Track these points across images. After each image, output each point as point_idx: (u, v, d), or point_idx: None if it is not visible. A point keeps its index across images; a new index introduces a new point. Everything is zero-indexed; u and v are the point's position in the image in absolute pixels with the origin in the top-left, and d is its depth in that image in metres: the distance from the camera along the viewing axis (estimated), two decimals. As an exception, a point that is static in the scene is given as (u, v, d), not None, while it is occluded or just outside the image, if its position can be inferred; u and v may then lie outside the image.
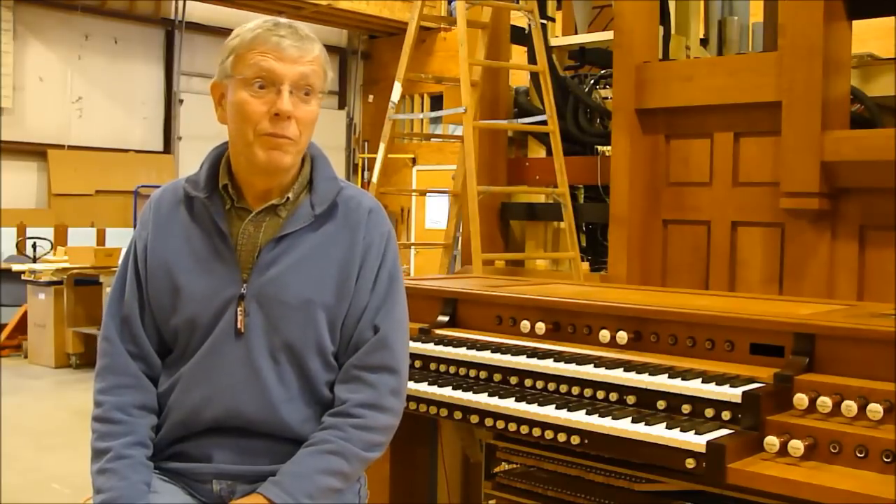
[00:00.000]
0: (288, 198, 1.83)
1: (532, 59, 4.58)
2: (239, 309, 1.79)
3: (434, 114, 5.93)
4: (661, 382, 2.03)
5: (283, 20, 1.81)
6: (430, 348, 2.48)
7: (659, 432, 1.89)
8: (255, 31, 1.77)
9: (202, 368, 1.79)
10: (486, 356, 2.37)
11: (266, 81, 1.74)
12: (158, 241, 1.85)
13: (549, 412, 2.08)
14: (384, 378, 1.83)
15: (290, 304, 1.79)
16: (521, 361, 2.29)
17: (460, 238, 4.93)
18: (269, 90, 1.75)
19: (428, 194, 12.05)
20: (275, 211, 1.83)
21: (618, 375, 2.11)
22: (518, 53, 5.25)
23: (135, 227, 1.96)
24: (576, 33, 5.18)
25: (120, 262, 1.93)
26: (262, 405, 1.78)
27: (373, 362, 1.83)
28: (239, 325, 1.78)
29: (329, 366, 1.85)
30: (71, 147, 11.02)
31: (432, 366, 2.47)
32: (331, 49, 13.42)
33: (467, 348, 2.43)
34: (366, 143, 13.83)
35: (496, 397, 2.21)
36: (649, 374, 2.07)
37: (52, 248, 9.49)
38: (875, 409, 1.78)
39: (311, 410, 1.82)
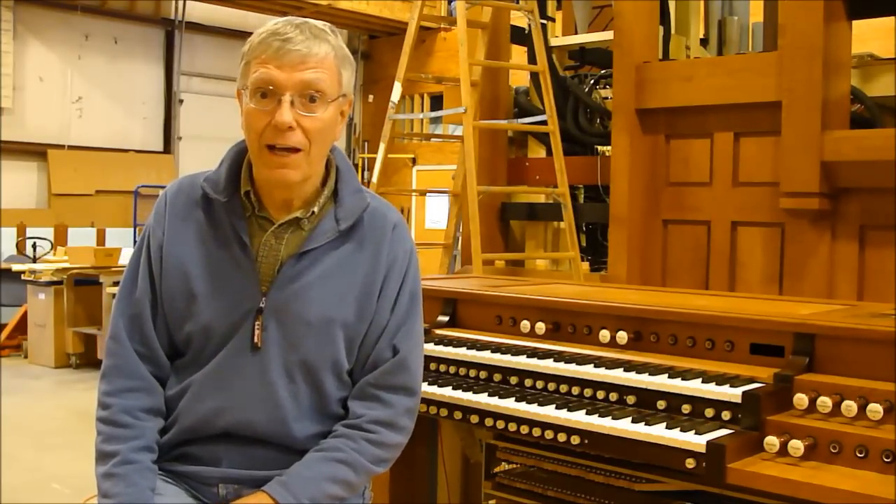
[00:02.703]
0: (312, 212, 1.79)
1: (532, 59, 4.58)
2: (257, 323, 1.75)
3: (434, 114, 5.93)
4: (661, 382, 2.03)
5: (297, 19, 1.72)
6: (430, 348, 2.48)
7: (659, 432, 1.89)
8: (262, 34, 1.71)
9: (215, 379, 1.77)
10: (486, 356, 2.37)
11: (268, 91, 1.68)
12: (175, 242, 1.80)
13: (549, 412, 2.08)
14: (401, 399, 1.82)
15: (310, 321, 1.76)
16: (521, 361, 2.29)
17: (460, 238, 4.93)
18: (271, 100, 1.68)
19: (428, 194, 12.04)
20: (298, 223, 1.79)
21: (618, 375, 2.11)
22: (518, 53, 5.25)
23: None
24: (576, 33, 5.18)
25: (131, 256, 1.87)
26: (273, 420, 1.77)
27: (391, 383, 1.82)
28: (256, 340, 1.75)
29: (343, 383, 1.83)
30: (71, 147, 11.02)
31: (432, 366, 2.47)
32: (331, 49, 13.40)
33: (467, 348, 2.43)
34: (366, 143, 13.83)
35: (496, 397, 2.21)
36: (649, 374, 2.07)
37: (52, 248, 9.49)
38: (875, 409, 1.78)
39: (321, 426, 1.81)
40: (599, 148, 4.49)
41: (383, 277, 1.82)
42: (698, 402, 1.97)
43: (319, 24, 1.75)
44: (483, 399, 2.21)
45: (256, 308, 1.76)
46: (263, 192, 1.80)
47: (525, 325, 2.51)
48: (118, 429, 1.74)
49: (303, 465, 1.74)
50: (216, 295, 1.77)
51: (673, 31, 4.63)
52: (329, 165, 1.84)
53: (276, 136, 1.69)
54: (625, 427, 1.94)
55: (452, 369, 2.42)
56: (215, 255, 1.78)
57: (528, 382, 2.27)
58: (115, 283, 6.14)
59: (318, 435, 1.80)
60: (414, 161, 13.04)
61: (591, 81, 4.75)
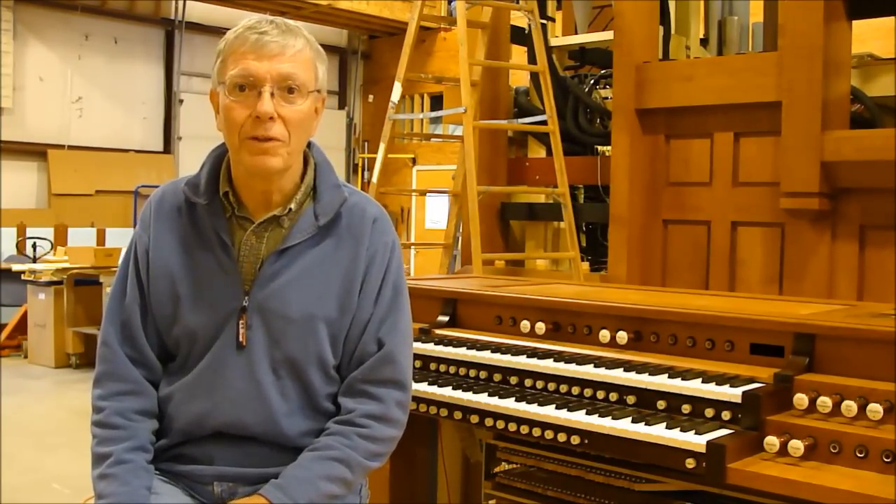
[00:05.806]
0: (290, 209, 1.80)
1: (532, 59, 4.59)
2: (241, 322, 1.77)
3: (434, 114, 5.92)
4: (661, 382, 2.03)
5: (269, 17, 1.75)
6: (430, 348, 2.48)
7: (659, 432, 1.89)
8: (237, 31, 1.73)
9: (204, 380, 1.78)
10: (486, 356, 2.37)
11: (247, 83, 1.69)
12: (160, 247, 1.82)
13: (549, 412, 2.08)
14: (391, 392, 1.82)
15: (292, 318, 1.77)
16: (521, 361, 2.29)
17: (460, 238, 4.93)
18: (250, 93, 1.69)
19: (428, 194, 12.05)
20: (277, 221, 1.80)
21: (618, 375, 2.11)
22: (518, 53, 5.25)
23: (135, 227, 1.92)
24: (576, 33, 5.18)
25: (120, 265, 1.90)
26: (263, 418, 1.77)
27: (379, 377, 1.82)
28: (241, 339, 1.77)
29: (330, 378, 1.83)
30: (71, 147, 11.02)
31: (432, 366, 2.47)
32: (331, 49, 13.42)
33: (467, 348, 2.43)
34: (366, 143, 13.84)
35: (496, 397, 2.21)
36: (649, 374, 2.07)
37: (52, 248, 9.49)
38: (875, 409, 1.78)
39: (312, 423, 1.81)
40: (599, 148, 4.49)
41: (364, 271, 1.82)
42: (698, 402, 1.97)
43: (292, 22, 1.77)
44: (483, 399, 2.21)
45: (240, 307, 1.77)
46: (242, 189, 1.80)
47: (525, 325, 2.51)
48: (111, 431, 1.76)
49: (297, 465, 1.74)
50: (200, 297, 1.78)
51: (673, 31, 4.63)
52: (307, 161, 1.85)
53: (257, 128, 1.70)
54: (625, 427, 1.94)
55: (452, 369, 2.42)
56: (198, 257, 1.80)
57: (528, 382, 2.27)
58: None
59: (309, 431, 1.81)
60: (414, 161, 13.04)
61: (591, 81, 4.75)
